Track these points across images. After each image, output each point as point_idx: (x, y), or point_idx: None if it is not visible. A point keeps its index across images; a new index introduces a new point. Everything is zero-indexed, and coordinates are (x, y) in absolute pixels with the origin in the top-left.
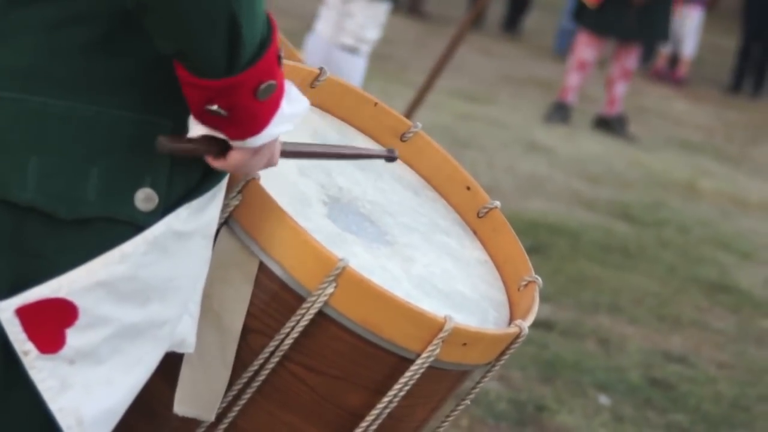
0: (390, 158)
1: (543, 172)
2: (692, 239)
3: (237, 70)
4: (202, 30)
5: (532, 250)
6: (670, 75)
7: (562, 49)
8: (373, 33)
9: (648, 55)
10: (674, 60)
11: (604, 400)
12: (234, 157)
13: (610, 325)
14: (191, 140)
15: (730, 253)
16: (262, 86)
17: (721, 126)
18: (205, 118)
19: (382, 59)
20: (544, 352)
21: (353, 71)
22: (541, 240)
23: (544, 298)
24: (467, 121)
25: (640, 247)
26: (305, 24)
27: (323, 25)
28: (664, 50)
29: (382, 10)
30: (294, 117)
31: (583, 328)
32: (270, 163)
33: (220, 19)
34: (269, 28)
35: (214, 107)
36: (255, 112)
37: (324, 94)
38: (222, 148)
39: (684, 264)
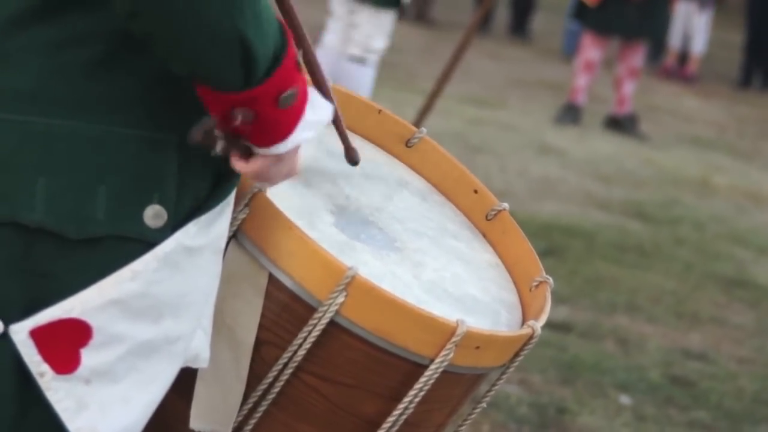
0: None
1: (556, 174)
2: (708, 236)
3: (254, 84)
4: (211, 54)
5: (547, 253)
6: (679, 72)
7: (570, 50)
8: (380, 42)
9: (657, 53)
10: (684, 57)
11: (625, 400)
12: (257, 163)
13: (628, 325)
14: (221, 135)
15: (746, 248)
16: (284, 95)
17: (733, 121)
18: (229, 127)
19: (391, 68)
20: (563, 354)
21: (362, 81)
22: (556, 242)
23: (561, 300)
24: (478, 126)
25: (656, 246)
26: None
27: (330, 37)
28: (674, 48)
29: (389, 19)
30: (318, 124)
31: (601, 329)
32: (290, 173)
33: (229, 41)
34: (283, 36)
35: (239, 115)
36: (279, 120)
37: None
38: (247, 152)
39: (700, 261)
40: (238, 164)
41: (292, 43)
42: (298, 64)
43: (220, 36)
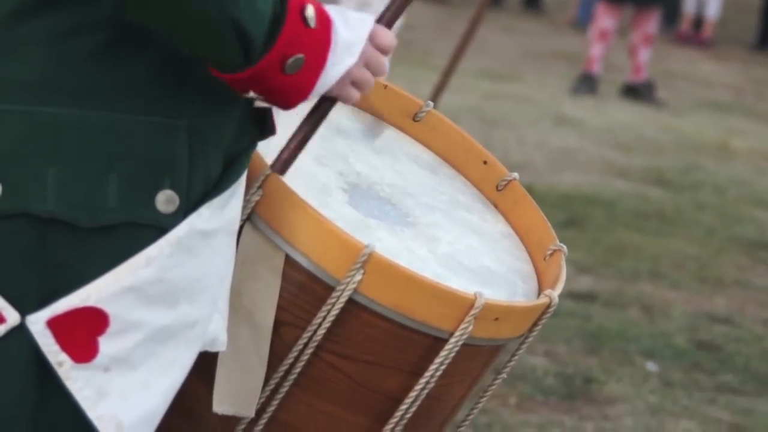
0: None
1: (574, 145)
2: (729, 199)
3: (256, 60)
4: (204, 37)
5: (568, 223)
6: (694, 37)
7: (585, 21)
8: None
9: (672, 18)
10: (698, 22)
11: (651, 366)
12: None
13: (652, 292)
14: (291, 141)
15: (767, 210)
16: (289, 62)
17: (750, 84)
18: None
19: (405, 45)
20: (588, 324)
21: None
22: (577, 212)
23: (584, 270)
24: (494, 100)
25: (677, 212)
26: None
27: None
28: (688, 13)
29: None
30: (356, 44)
31: (625, 297)
32: (378, 69)
33: (221, 28)
34: (282, 3)
35: (252, 94)
36: (293, 85)
37: None
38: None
39: (722, 225)
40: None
41: (295, 6)
42: (305, 20)
43: (212, 24)
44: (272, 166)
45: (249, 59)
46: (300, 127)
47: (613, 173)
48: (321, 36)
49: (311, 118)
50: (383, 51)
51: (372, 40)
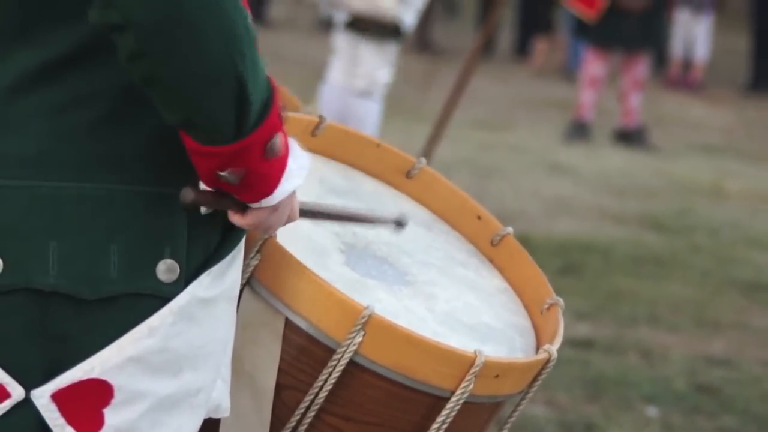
0: (399, 224)
1: (569, 192)
2: (724, 241)
3: (246, 133)
4: (209, 94)
5: (565, 271)
6: (685, 81)
7: (575, 66)
8: (384, 74)
9: (661, 63)
10: (687, 66)
11: (652, 411)
12: (253, 216)
13: (650, 337)
14: (214, 193)
15: (763, 251)
16: (269, 144)
17: (742, 126)
18: (217, 186)
19: (397, 99)
20: (587, 371)
21: (369, 116)
22: (573, 259)
23: (582, 317)
24: (488, 149)
25: (673, 256)
26: (316, 73)
27: (335, 74)
28: (677, 56)
29: (392, 51)
30: (301, 170)
31: (624, 343)
32: (291, 218)
33: (227, 82)
34: (270, 85)
35: (225, 173)
36: (266, 173)
37: (326, 140)
38: (241, 207)
39: (718, 267)
40: (234, 218)
41: (278, 94)
42: (281, 114)
43: (219, 75)
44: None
45: (240, 130)
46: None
47: (608, 219)
48: (286, 136)
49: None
50: (290, 217)
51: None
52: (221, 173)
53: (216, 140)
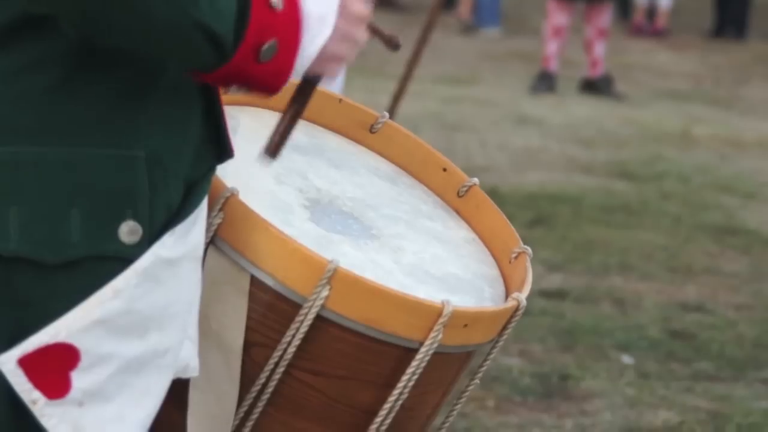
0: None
1: (536, 144)
2: (693, 187)
3: (229, 56)
4: (176, 46)
5: (535, 222)
6: (649, 28)
7: (480, 23)
8: None
9: (624, 11)
10: (652, 13)
11: (627, 359)
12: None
13: (623, 285)
14: (280, 125)
15: (733, 195)
16: (263, 50)
17: (708, 71)
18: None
19: (362, 56)
20: (560, 321)
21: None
22: (543, 211)
23: (553, 268)
24: (454, 104)
25: (643, 203)
26: None
27: None
28: (641, 4)
29: None
30: (327, 15)
31: (596, 292)
32: (356, 40)
33: (187, 31)
34: None
35: (236, 89)
36: (270, 71)
37: (287, 98)
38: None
39: (689, 213)
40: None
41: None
42: (270, 8)
43: (178, 31)
44: (264, 150)
45: (222, 56)
46: (287, 109)
47: (576, 169)
48: (290, 17)
49: (297, 98)
50: (358, 20)
51: (344, 9)
52: (230, 90)
53: (204, 70)
